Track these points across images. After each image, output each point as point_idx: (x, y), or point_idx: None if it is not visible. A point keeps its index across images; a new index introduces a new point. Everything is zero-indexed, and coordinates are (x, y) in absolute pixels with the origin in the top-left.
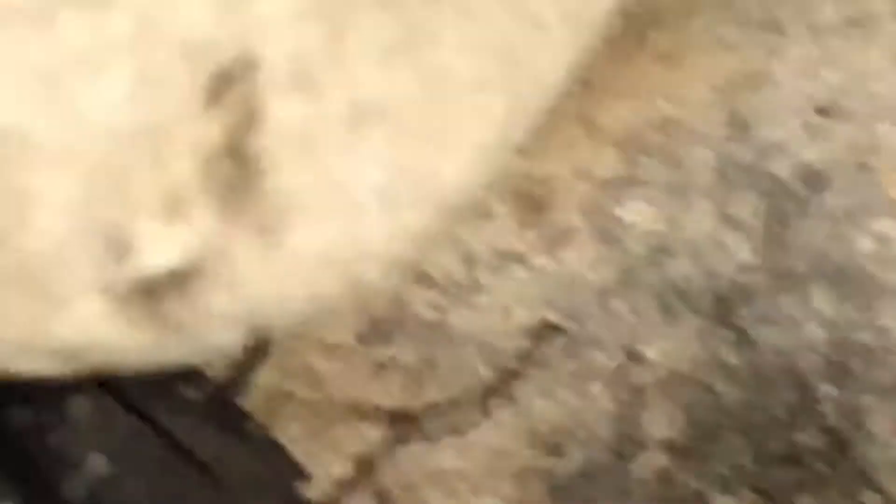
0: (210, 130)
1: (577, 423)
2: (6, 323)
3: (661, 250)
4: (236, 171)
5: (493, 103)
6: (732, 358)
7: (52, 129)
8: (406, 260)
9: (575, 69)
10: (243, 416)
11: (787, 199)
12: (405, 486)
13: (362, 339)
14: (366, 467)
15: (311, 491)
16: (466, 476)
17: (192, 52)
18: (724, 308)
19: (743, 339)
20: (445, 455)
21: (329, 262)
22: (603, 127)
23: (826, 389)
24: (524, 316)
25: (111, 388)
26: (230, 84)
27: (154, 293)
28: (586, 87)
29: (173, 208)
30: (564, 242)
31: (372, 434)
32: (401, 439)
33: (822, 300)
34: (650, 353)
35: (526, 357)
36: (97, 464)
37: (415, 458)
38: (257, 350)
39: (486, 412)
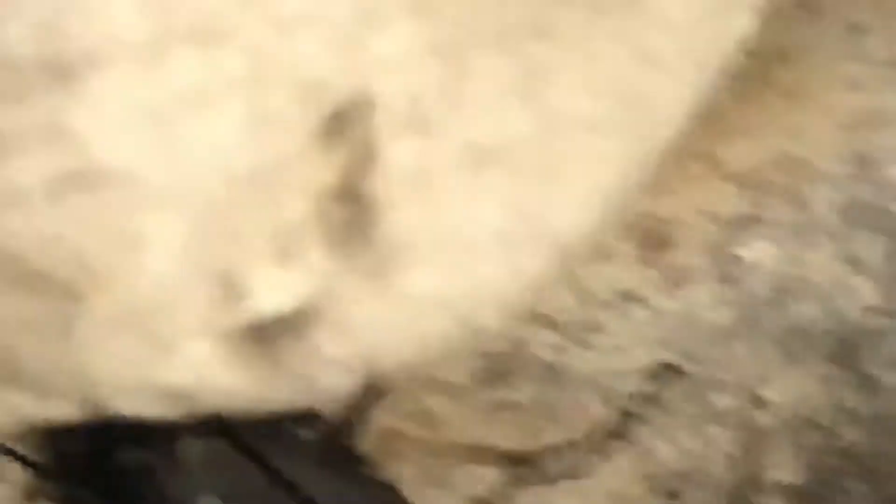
0: (324, 171)
1: (697, 467)
2: (117, 365)
3: (783, 291)
4: (350, 212)
5: (611, 144)
6: (856, 402)
7: (163, 170)
8: (522, 302)
9: (696, 107)
10: (357, 457)
11: None
12: None
13: (479, 379)
14: None
15: None
16: None
17: (307, 91)
18: (847, 351)
19: (867, 384)
20: (563, 498)
21: (444, 304)
22: (725, 165)
23: None
24: (643, 357)
25: (223, 428)
26: (345, 124)
27: (266, 336)
28: (709, 124)
29: (286, 250)
30: (685, 282)
31: (488, 476)
32: (518, 482)
33: None
34: (772, 395)
35: (645, 399)
36: None
37: (532, 501)
38: (372, 390)
39: (604, 454)
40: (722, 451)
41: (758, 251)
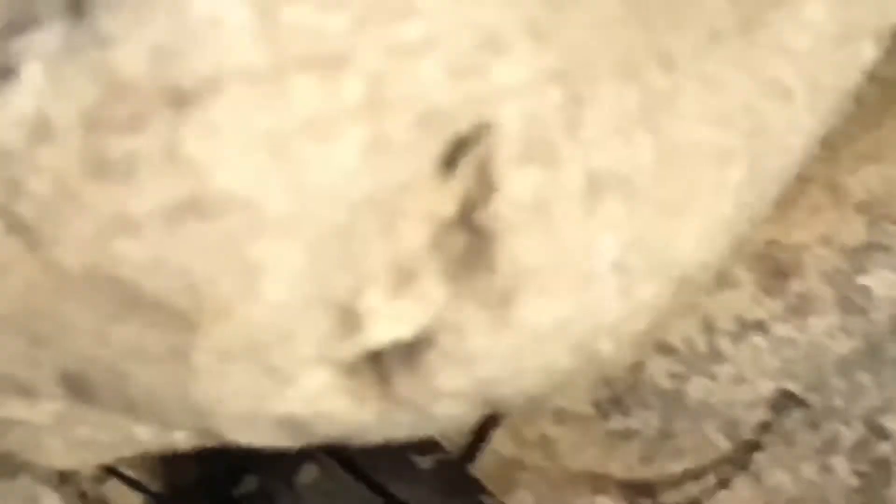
0: (443, 200)
1: (818, 498)
2: (232, 395)
3: None
4: (468, 241)
5: (733, 173)
6: None
7: (281, 198)
8: (641, 332)
9: (820, 136)
10: (476, 485)
11: None
12: None
13: (599, 407)
14: None
15: None
16: None
17: (427, 119)
18: None
19: None
20: None
21: (563, 335)
22: (850, 193)
23: None
24: (765, 386)
25: (340, 455)
26: (465, 152)
27: (382, 367)
28: (833, 151)
29: (403, 280)
30: (808, 311)
31: None
32: None
33: None
34: (893, 426)
35: (765, 428)
36: None
37: None
38: (490, 419)
39: (724, 484)
40: (842, 483)
41: (882, 280)
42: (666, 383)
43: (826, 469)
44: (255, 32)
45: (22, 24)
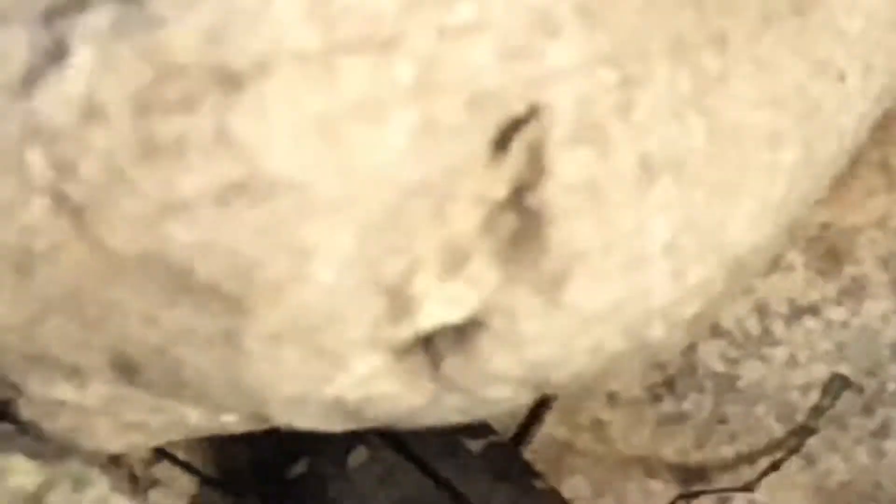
0: (494, 183)
1: (871, 482)
2: (283, 379)
3: None
4: (520, 224)
5: (785, 155)
6: None
7: (331, 181)
8: (694, 315)
9: (874, 118)
10: (527, 468)
11: None
12: None
13: (651, 391)
14: None
15: None
16: None
17: (478, 102)
18: None
19: None
20: None
21: (614, 318)
22: None
23: None
24: (818, 370)
25: (391, 438)
26: (516, 135)
27: (433, 350)
28: (887, 133)
29: (454, 263)
30: (862, 295)
31: (659, 489)
32: (689, 495)
33: None
34: None
35: (819, 412)
36: None
37: None
38: (541, 402)
39: (776, 468)
40: None
41: None
42: (719, 367)
43: (879, 453)
44: (305, 14)
45: (72, 5)
